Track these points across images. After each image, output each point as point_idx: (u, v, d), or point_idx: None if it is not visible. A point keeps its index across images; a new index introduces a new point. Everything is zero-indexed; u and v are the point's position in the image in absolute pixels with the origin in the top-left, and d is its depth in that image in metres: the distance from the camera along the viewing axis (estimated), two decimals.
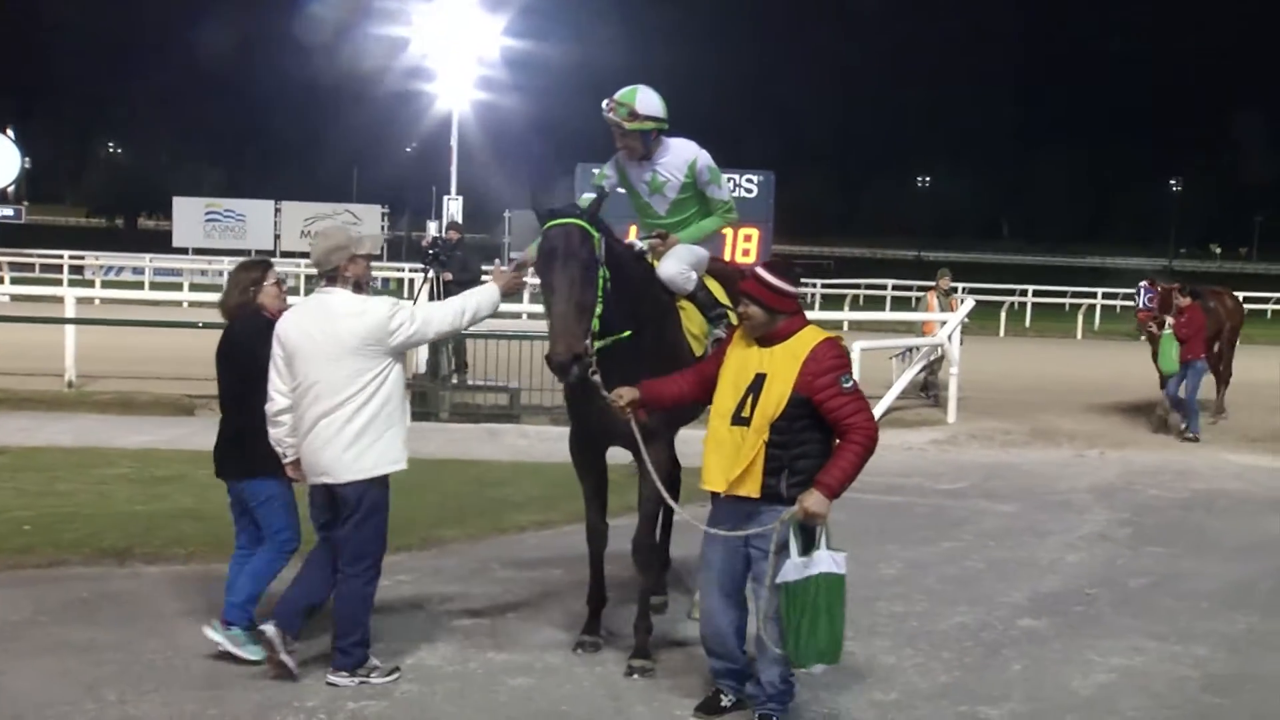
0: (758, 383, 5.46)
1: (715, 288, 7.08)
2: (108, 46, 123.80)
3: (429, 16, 34.31)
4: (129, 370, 16.22)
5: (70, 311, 16.92)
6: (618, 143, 6.84)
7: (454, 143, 33.47)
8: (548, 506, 9.93)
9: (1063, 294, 43.10)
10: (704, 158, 6.89)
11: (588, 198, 6.62)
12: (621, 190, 7.09)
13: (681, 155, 6.86)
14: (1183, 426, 15.53)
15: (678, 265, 6.73)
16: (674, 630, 7.09)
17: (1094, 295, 41.48)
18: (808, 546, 5.35)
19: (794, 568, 5.32)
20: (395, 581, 7.90)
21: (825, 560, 5.35)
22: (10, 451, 11.59)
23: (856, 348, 15.32)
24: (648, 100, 6.71)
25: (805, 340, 5.51)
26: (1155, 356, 15.94)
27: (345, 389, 5.90)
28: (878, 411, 15.12)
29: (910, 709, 6.07)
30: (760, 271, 5.61)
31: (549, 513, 9.75)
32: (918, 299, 21.05)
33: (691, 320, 6.78)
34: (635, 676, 6.31)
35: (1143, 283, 16.53)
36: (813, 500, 5.30)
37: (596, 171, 7.23)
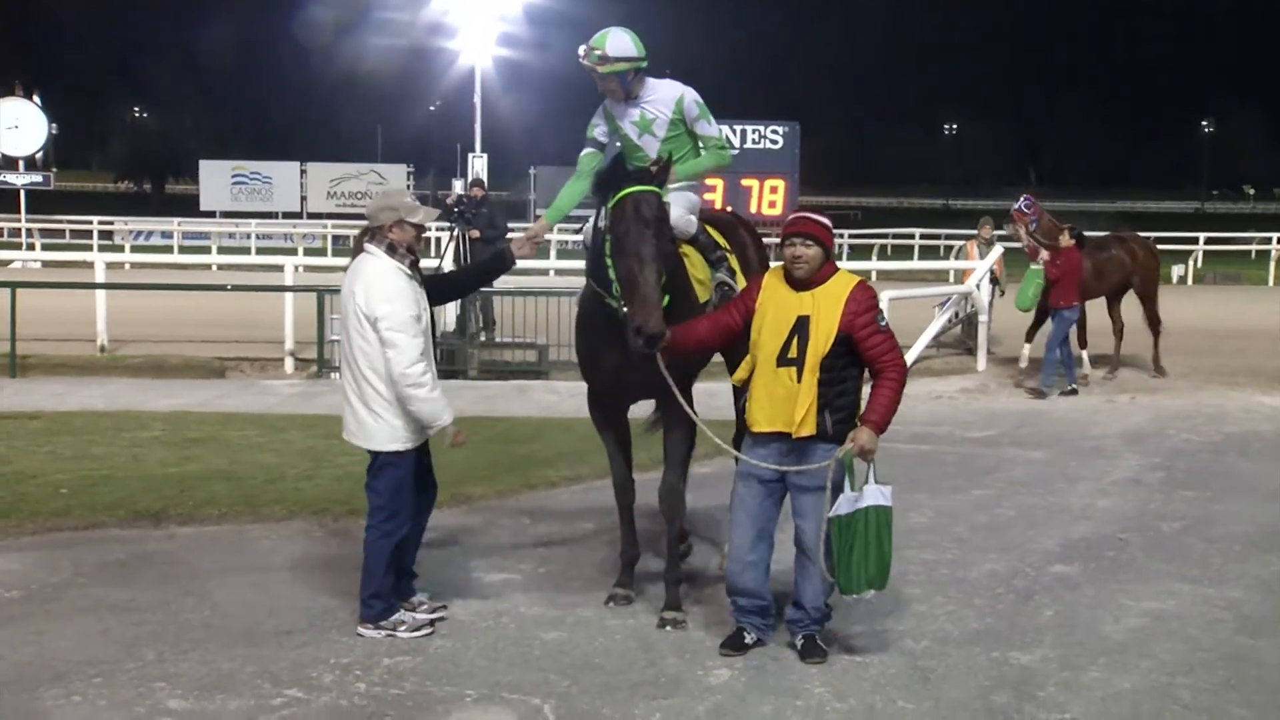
0: (802, 324, 5.73)
1: (712, 231, 7.10)
2: (130, 9, 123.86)
3: None
4: (160, 334, 16.32)
5: (100, 276, 17.00)
6: (599, 87, 6.83)
7: (477, 100, 33.38)
8: (577, 461, 9.95)
9: None
10: (691, 93, 6.87)
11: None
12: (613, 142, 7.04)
13: (668, 93, 6.85)
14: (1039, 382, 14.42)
15: (679, 209, 6.66)
16: (701, 583, 7.11)
17: None
18: (856, 482, 5.69)
19: (846, 501, 5.68)
20: (426, 538, 7.94)
21: (874, 494, 5.71)
22: (45, 416, 11.69)
23: (885, 297, 15.27)
24: (618, 42, 6.71)
25: (844, 282, 5.82)
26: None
27: (350, 358, 6.08)
28: (909, 359, 15.11)
29: (942, 656, 6.07)
30: (816, 216, 5.93)
31: (578, 468, 9.78)
32: (957, 248, 20.48)
33: (695, 265, 6.76)
34: (668, 628, 6.34)
35: (1025, 196, 15.49)
36: (865, 436, 5.68)
37: (589, 125, 7.11)
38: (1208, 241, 42.10)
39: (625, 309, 5.96)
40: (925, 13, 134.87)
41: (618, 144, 7.00)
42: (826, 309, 5.74)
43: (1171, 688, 5.77)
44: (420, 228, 6.17)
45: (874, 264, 30.82)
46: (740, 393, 6.04)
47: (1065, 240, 14.54)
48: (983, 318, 16.24)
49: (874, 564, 5.72)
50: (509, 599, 6.78)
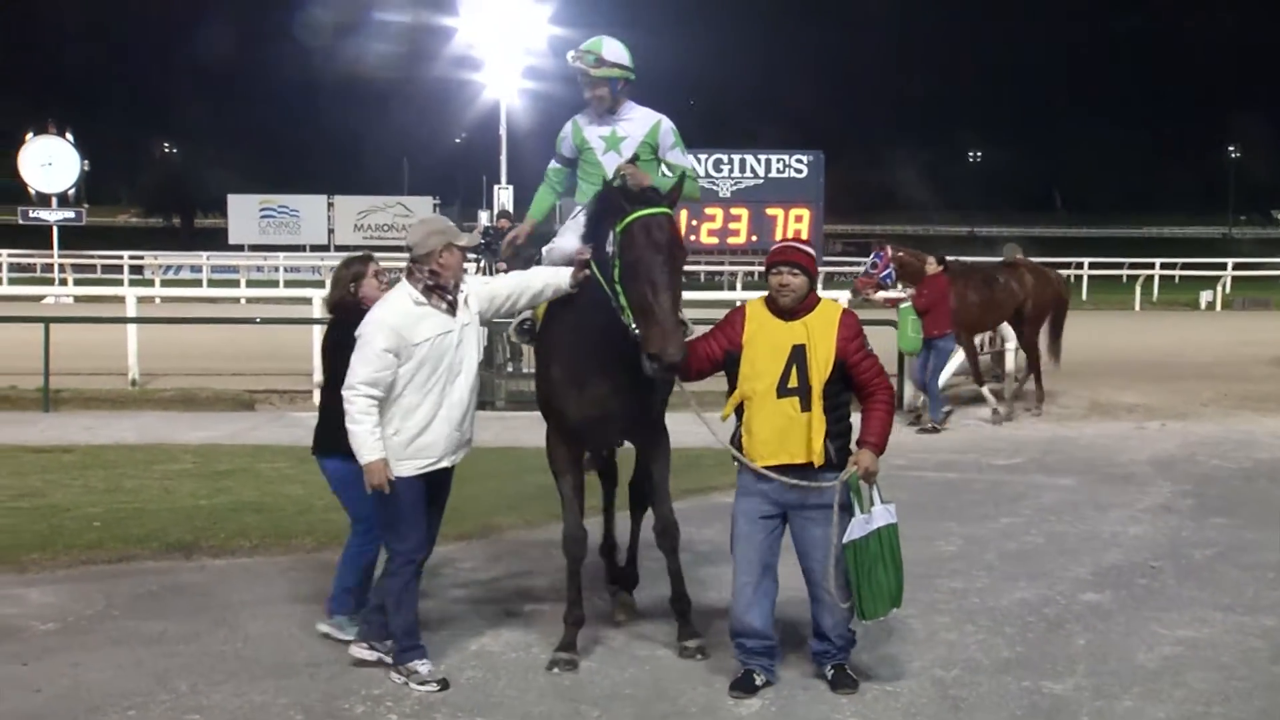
0: (799, 353, 5.72)
1: None
2: (159, 49, 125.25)
3: (475, 6, 34.40)
4: (190, 367, 16.42)
5: (131, 311, 17.13)
6: (586, 93, 6.77)
7: (503, 132, 33.61)
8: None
9: (1119, 265, 42.63)
10: (668, 122, 6.84)
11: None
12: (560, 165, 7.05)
13: (645, 116, 6.82)
14: (925, 415, 14.00)
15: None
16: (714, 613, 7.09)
17: (1151, 266, 41.00)
18: (864, 504, 5.69)
19: (859, 525, 5.67)
20: (456, 569, 8.00)
21: (882, 514, 5.72)
22: (78, 449, 11.79)
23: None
24: (614, 48, 6.71)
25: (832, 309, 5.88)
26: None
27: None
28: (939, 386, 15.07)
29: (973, 685, 6.04)
30: (802, 245, 5.98)
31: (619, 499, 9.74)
32: None
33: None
34: (698, 657, 6.29)
35: (875, 248, 14.80)
36: (867, 458, 5.69)
37: (557, 138, 7.05)
38: (1236, 267, 41.90)
39: (638, 334, 5.78)
40: (950, 42, 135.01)
41: (573, 155, 6.93)
42: (821, 336, 5.73)
43: (1207, 717, 5.71)
44: (465, 250, 6.08)
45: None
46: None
47: (931, 268, 14.04)
48: (1010, 345, 16.18)
49: (892, 583, 5.73)
50: (538, 629, 6.76)
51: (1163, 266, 41.66)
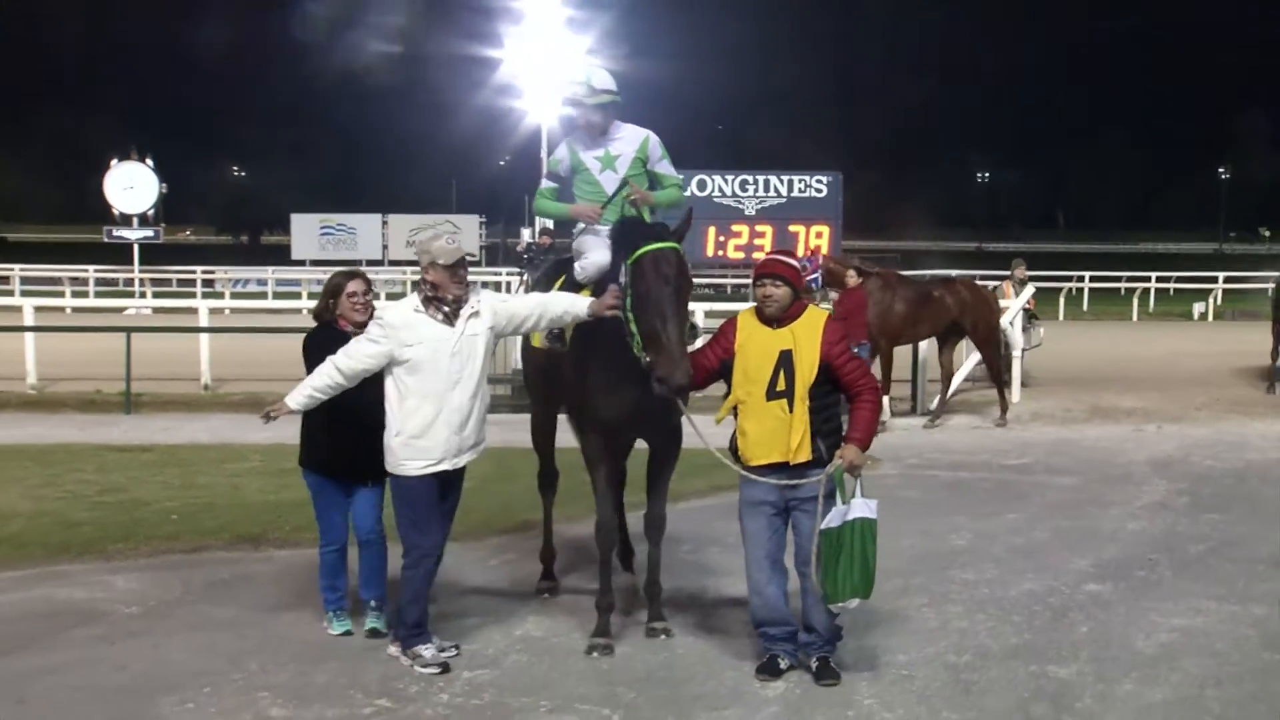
0: (785, 358, 5.74)
1: None
2: (230, 80, 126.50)
3: (519, 38, 34.55)
4: (257, 373, 16.49)
5: (204, 321, 17.27)
6: (581, 120, 6.85)
7: (544, 154, 33.62)
8: (639, 489, 9.86)
9: (1118, 279, 42.30)
10: (654, 136, 6.90)
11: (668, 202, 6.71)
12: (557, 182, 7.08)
13: (634, 134, 6.88)
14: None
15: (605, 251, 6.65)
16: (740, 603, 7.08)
17: (1148, 279, 40.69)
18: (846, 496, 5.65)
19: (836, 514, 5.63)
20: (502, 561, 8.03)
21: (861, 507, 5.64)
22: (156, 449, 11.89)
23: None
24: (602, 77, 6.81)
25: (816, 316, 5.90)
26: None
27: None
28: (948, 392, 15.01)
29: (983, 669, 6.01)
30: (784, 257, 6.00)
31: (640, 494, 9.70)
32: (992, 288, 20.01)
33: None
34: (661, 637, 6.39)
35: (809, 253, 14.25)
36: (852, 453, 5.65)
37: (550, 158, 7.16)
38: (1227, 280, 41.53)
39: (648, 359, 5.85)
40: (961, 73, 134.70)
41: (568, 175, 6.97)
42: (806, 342, 5.74)
43: (1201, 700, 5.68)
44: (452, 268, 5.93)
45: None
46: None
47: (851, 280, 13.53)
48: (1016, 353, 16.10)
49: (859, 573, 5.60)
50: (578, 616, 6.77)
51: (1158, 280, 41.29)
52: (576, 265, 6.78)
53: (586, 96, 6.74)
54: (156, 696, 5.59)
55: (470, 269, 6.11)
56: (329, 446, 6.34)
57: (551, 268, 7.60)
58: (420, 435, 5.88)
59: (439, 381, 5.87)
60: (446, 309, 5.94)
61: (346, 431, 6.19)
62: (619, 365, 6.12)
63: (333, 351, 6.03)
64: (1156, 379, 17.94)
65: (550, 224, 24.82)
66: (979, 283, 16.75)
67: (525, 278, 15.50)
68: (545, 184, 7.09)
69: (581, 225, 6.83)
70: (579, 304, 6.19)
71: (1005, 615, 6.88)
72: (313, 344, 6.33)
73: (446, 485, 6.07)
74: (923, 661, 6.10)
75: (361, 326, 6.18)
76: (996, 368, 14.67)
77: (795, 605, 5.97)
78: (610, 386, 6.26)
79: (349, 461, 6.29)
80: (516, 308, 6.23)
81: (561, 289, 6.77)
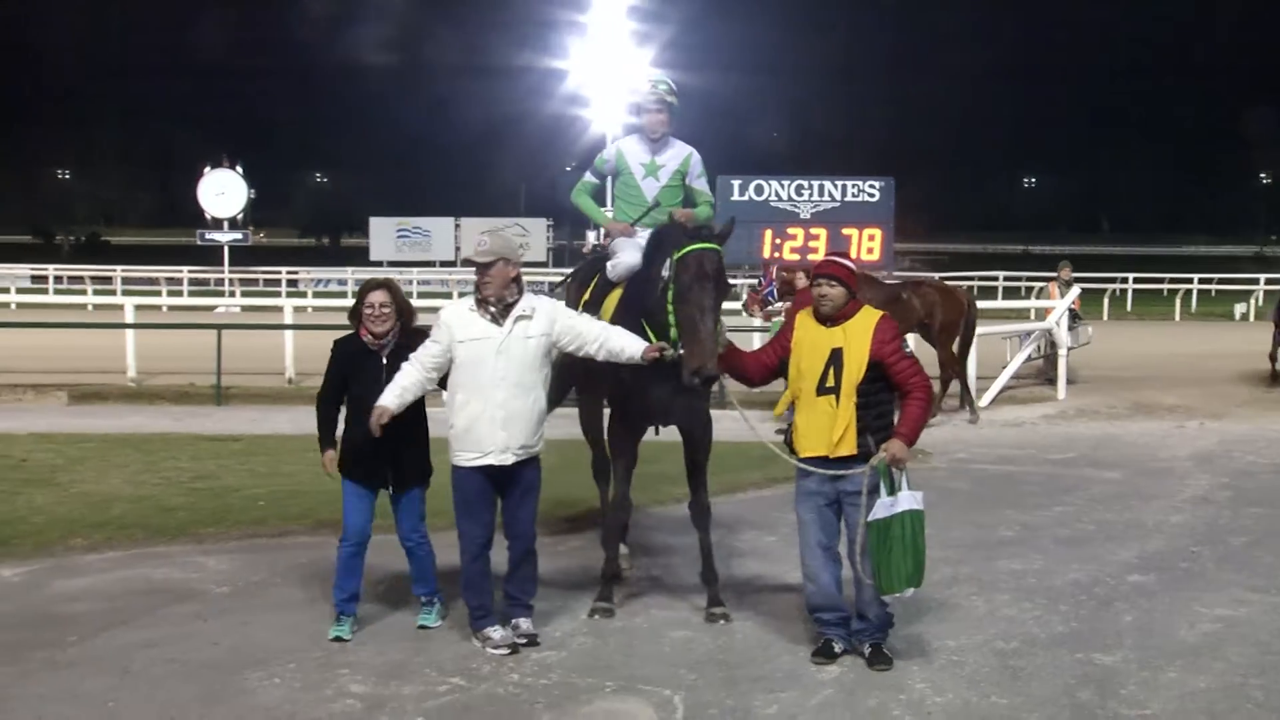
0: (836, 355, 5.71)
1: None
2: (315, 92, 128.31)
3: (585, 50, 34.67)
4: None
5: (289, 319, 17.48)
6: (651, 119, 6.93)
7: None
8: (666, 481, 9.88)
9: (1160, 280, 41.60)
10: (697, 155, 7.08)
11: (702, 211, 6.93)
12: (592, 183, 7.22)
13: (681, 148, 7.06)
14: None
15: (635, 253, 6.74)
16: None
17: (1190, 281, 39.98)
18: (892, 488, 5.57)
19: (882, 506, 5.57)
20: (569, 548, 8.04)
21: (908, 499, 5.58)
22: (244, 439, 12.05)
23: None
24: (669, 84, 6.97)
25: (870, 316, 5.82)
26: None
27: None
28: (994, 390, 14.86)
29: (1031, 656, 5.93)
30: (841, 259, 5.96)
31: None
32: (1038, 289, 19.71)
33: None
34: (721, 622, 6.36)
35: (764, 269, 13.50)
36: (896, 447, 5.58)
37: (598, 157, 7.23)
38: (1268, 282, 40.71)
39: (681, 351, 5.93)
40: (1006, 77, 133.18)
41: (611, 175, 7.07)
42: (857, 340, 5.71)
43: (1245, 688, 5.56)
44: (482, 265, 5.90)
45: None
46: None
47: (800, 282, 12.57)
48: (1062, 351, 15.89)
49: (911, 563, 5.55)
50: (641, 601, 6.78)
51: (1200, 281, 40.60)
52: (608, 265, 6.87)
53: (668, 94, 6.87)
54: (245, 671, 5.66)
55: (533, 270, 6.13)
56: (358, 451, 6.23)
57: (588, 266, 7.65)
58: (468, 429, 5.92)
59: (483, 377, 5.88)
60: (493, 308, 5.94)
61: (365, 440, 6.09)
62: (650, 366, 6.15)
63: (343, 366, 6.20)
64: (1198, 377, 17.61)
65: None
66: (954, 284, 16.38)
67: (566, 278, 15.45)
68: (588, 178, 7.21)
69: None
70: (636, 345, 6.13)
71: (1052, 604, 6.78)
72: (336, 353, 6.30)
73: (502, 481, 6.03)
74: (972, 648, 6.03)
75: (380, 337, 6.13)
76: (953, 367, 14.11)
77: (849, 593, 5.93)
78: (646, 381, 6.27)
79: (376, 467, 6.24)
80: (582, 328, 6.17)
81: (595, 288, 6.94)
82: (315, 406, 6.42)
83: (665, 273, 6.10)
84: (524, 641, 6.02)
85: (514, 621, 6.12)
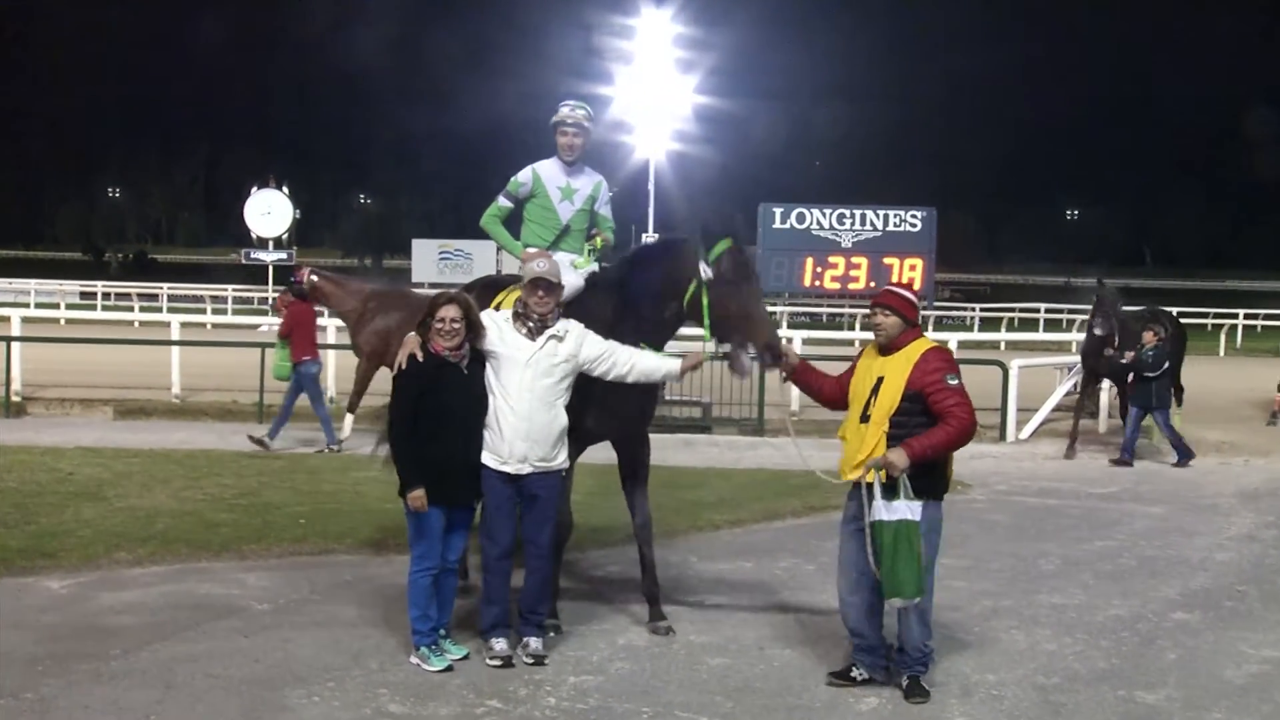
0: (877, 385, 5.75)
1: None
2: (359, 116, 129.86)
3: (630, 77, 34.84)
4: (381, 388, 16.69)
5: (331, 339, 17.59)
6: (568, 141, 6.93)
7: (651, 187, 33.87)
8: (737, 506, 9.90)
9: (1205, 315, 41.12)
10: (605, 182, 7.19)
11: None
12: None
13: (594, 174, 7.14)
14: None
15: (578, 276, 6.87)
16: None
17: (1235, 316, 39.51)
18: (892, 496, 5.56)
19: (879, 509, 5.58)
20: (606, 573, 8.02)
21: (903, 509, 5.57)
22: (286, 456, 12.14)
23: (1015, 365, 14.95)
24: (589, 110, 7.03)
25: (918, 347, 5.79)
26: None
27: None
28: (1035, 422, 14.72)
29: (1072, 692, 5.86)
30: (898, 289, 5.99)
31: (738, 512, 9.73)
32: (1081, 321, 19.46)
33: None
34: (666, 635, 6.56)
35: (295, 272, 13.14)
36: (894, 453, 5.56)
37: (512, 180, 7.11)
38: None
39: (733, 339, 6.16)
40: (1049, 112, 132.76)
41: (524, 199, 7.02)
42: (896, 370, 5.72)
43: None
44: (531, 285, 6.10)
45: (1003, 335, 30.10)
46: None
47: (305, 281, 12.76)
48: (1103, 385, 15.72)
49: (903, 573, 5.52)
50: (679, 628, 6.73)
51: (1246, 317, 40.11)
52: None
53: (585, 120, 6.94)
54: (285, 688, 5.69)
55: (545, 297, 6.13)
56: (437, 470, 6.04)
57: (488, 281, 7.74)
58: (496, 433, 6.09)
59: (510, 385, 6.07)
60: (531, 324, 6.13)
61: (450, 456, 6.05)
62: (603, 382, 6.31)
63: (419, 382, 6.01)
64: (1243, 413, 17.40)
65: None
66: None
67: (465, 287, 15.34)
68: (501, 202, 7.11)
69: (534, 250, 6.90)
70: (669, 364, 6.33)
71: (1093, 640, 6.70)
72: (410, 371, 6.06)
73: (521, 492, 6.14)
74: (1012, 682, 5.97)
75: (453, 351, 6.06)
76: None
77: (890, 624, 5.90)
78: (597, 400, 6.41)
79: (451, 486, 6.09)
80: (618, 354, 6.27)
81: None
82: (390, 437, 6.20)
83: (706, 270, 6.21)
84: (530, 661, 6.08)
85: (524, 640, 6.18)
